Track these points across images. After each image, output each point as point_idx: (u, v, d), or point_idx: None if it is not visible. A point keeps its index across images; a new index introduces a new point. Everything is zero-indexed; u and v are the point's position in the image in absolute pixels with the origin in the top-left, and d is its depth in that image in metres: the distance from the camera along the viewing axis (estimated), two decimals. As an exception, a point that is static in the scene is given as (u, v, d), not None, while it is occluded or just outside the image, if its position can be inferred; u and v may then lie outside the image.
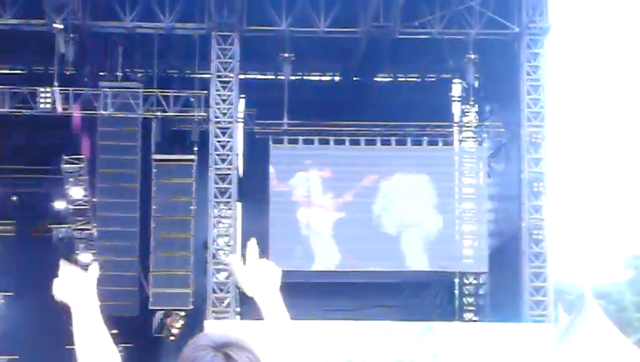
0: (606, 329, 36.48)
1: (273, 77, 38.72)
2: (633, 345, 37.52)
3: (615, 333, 36.58)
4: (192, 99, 34.16)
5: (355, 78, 39.28)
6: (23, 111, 33.71)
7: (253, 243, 3.60)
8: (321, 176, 35.61)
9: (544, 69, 34.02)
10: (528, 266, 33.03)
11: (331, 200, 35.60)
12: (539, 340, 32.03)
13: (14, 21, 33.30)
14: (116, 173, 33.81)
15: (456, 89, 40.96)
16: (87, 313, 3.64)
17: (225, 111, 33.67)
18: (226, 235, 33.86)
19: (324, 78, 40.49)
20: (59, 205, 36.13)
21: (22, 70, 38.67)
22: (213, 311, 32.65)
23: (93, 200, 34.66)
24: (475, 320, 38.29)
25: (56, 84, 33.49)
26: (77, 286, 3.71)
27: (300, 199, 35.47)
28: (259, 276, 3.58)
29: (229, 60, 33.70)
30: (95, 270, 3.79)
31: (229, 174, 33.52)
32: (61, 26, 32.29)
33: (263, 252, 33.88)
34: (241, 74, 35.55)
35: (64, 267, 3.70)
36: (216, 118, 33.54)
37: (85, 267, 3.76)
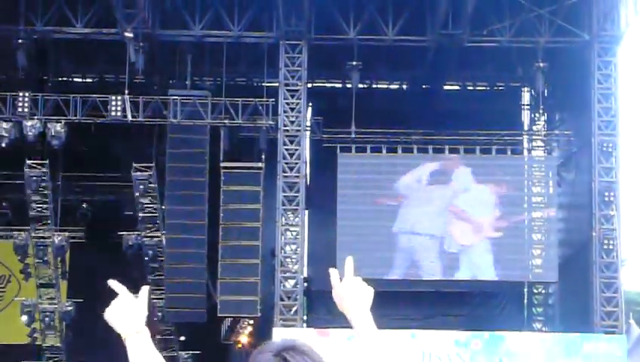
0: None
1: (341, 85, 38.76)
2: None
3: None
4: (260, 107, 34.30)
5: (423, 87, 39.14)
6: (95, 119, 34.13)
7: (350, 261, 3.63)
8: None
9: (616, 78, 33.62)
10: (599, 276, 32.64)
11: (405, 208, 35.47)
12: (610, 351, 31.61)
13: (86, 30, 33.75)
14: (185, 181, 34.02)
15: (526, 97, 40.63)
16: (139, 341, 3.69)
17: (293, 119, 33.76)
18: (294, 243, 33.91)
19: (392, 87, 40.39)
20: (128, 212, 36.45)
21: (93, 78, 39.16)
22: (281, 319, 32.72)
23: (162, 207, 34.93)
24: (544, 331, 37.91)
25: (127, 92, 33.87)
26: (129, 314, 3.74)
27: (370, 206, 35.37)
28: (352, 294, 3.61)
29: (297, 68, 33.79)
30: (145, 294, 3.83)
31: (297, 182, 33.59)
32: (131, 35, 32.63)
33: (330, 260, 33.88)
34: (309, 82, 35.63)
35: (118, 294, 3.75)
36: (285, 126, 33.64)
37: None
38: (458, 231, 35.25)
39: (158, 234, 35.33)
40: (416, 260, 35.17)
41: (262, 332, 33.99)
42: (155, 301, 35.24)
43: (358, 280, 3.67)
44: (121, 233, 35.91)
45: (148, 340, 3.70)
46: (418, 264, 35.19)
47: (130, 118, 33.80)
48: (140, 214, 35.42)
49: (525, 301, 39.44)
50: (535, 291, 39.49)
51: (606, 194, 33.05)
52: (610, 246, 32.83)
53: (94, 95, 34.27)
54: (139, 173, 34.67)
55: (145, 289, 3.83)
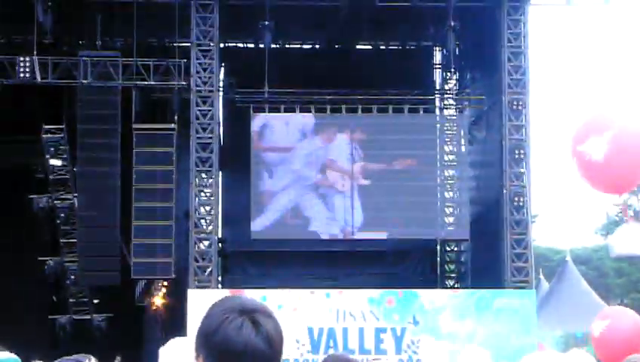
0: (586, 296, 36.68)
1: (254, 45, 38.57)
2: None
3: (595, 299, 36.76)
4: (172, 68, 33.99)
5: (336, 46, 39.16)
6: (2, 80, 33.47)
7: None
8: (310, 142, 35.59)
9: (526, 36, 33.98)
10: (509, 233, 33.14)
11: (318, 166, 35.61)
12: (520, 306, 32.17)
13: (-8, -10, 33.04)
14: (97, 143, 33.62)
15: (438, 56, 40.90)
16: None
17: (205, 79, 33.53)
18: (208, 204, 33.82)
19: (305, 47, 40.35)
20: (39, 175, 35.94)
21: (0, 39, 38.36)
22: (196, 280, 32.65)
23: (74, 169, 34.52)
24: (456, 287, 38.44)
25: (35, 52, 33.27)
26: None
27: (284, 166, 35.43)
28: None
29: (210, 28, 33.53)
30: None
31: (211, 143, 33.43)
32: (39, -6, 32.02)
33: (245, 220, 33.76)
34: (222, 42, 35.38)
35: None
36: (197, 86, 33.41)
37: None
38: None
39: (70, 196, 34.94)
40: (332, 219, 35.33)
41: (176, 294, 33.90)
42: (67, 264, 34.92)
43: None
44: (32, 196, 35.41)
45: None
46: (332, 223, 35.36)
47: (39, 79, 33.24)
48: (51, 176, 34.96)
49: (438, 259, 39.93)
50: (448, 249, 39.99)
51: (516, 151, 33.51)
52: (521, 203, 33.33)
53: (1, 56, 33.58)
54: (49, 135, 34.18)
55: None
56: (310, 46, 40.25)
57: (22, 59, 33.21)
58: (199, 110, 33.33)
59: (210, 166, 33.45)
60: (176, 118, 34.26)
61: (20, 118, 35.86)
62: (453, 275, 39.88)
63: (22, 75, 33.10)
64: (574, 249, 54.67)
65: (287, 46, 39.56)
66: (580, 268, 40.48)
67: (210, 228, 33.65)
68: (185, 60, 33.92)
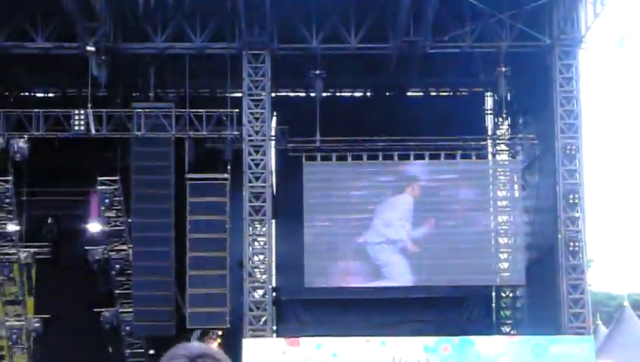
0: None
1: (305, 94, 38.76)
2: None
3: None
4: (224, 118, 34.24)
5: (387, 94, 39.24)
6: (58, 133, 33.93)
7: None
8: (361, 192, 35.55)
9: (577, 80, 33.84)
10: (566, 278, 32.82)
11: (370, 214, 35.52)
12: (578, 353, 31.78)
13: (47, 45, 33.55)
14: (150, 194, 33.88)
15: (489, 102, 40.80)
16: None
17: (257, 129, 33.73)
18: (261, 253, 33.87)
19: (355, 94, 40.48)
20: (94, 227, 36.28)
21: (55, 93, 38.95)
22: (250, 329, 32.65)
23: (129, 221, 34.78)
24: (512, 334, 38.06)
25: (89, 105, 33.71)
26: None
27: (337, 215, 35.40)
28: None
29: (261, 78, 33.78)
30: None
31: (263, 192, 33.55)
32: (93, 49, 32.49)
33: (298, 268, 33.75)
34: (273, 92, 35.62)
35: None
36: (249, 136, 33.60)
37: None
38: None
39: (125, 247, 35.18)
40: (385, 267, 35.20)
41: (231, 343, 33.91)
42: (123, 315, 35.10)
43: None
44: (88, 247, 35.71)
45: None
46: (386, 271, 35.23)
47: (93, 131, 33.64)
48: (106, 228, 35.25)
49: (493, 305, 39.59)
50: (503, 295, 39.65)
51: (570, 196, 33.24)
52: (576, 248, 33.02)
53: (57, 109, 34.06)
54: (104, 187, 34.51)
55: None
56: (361, 94, 40.38)
57: (77, 112, 33.66)
58: (252, 159, 33.50)
59: (264, 215, 33.54)
60: (229, 167, 34.45)
61: (75, 171, 36.28)
62: (509, 321, 39.50)
63: (77, 127, 33.53)
64: (632, 294, 53.97)
65: (337, 94, 39.72)
66: (638, 314, 39.94)
67: (265, 276, 33.67)
68: (237, 110, 34.17)
